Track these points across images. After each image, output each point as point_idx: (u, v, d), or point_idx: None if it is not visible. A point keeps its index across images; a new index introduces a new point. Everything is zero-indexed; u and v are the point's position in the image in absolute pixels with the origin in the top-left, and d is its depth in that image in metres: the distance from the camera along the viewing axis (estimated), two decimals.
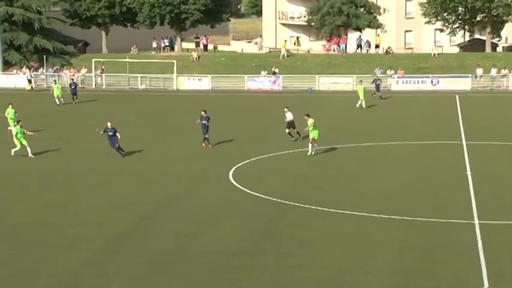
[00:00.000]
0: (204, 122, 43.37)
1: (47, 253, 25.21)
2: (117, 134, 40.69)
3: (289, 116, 44.86)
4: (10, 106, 46.31)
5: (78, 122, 54.03)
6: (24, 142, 40.22)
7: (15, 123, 42.49)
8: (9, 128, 44.76)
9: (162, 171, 37.67)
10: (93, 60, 75.84)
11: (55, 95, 62.36)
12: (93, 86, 75.17)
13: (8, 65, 79.83)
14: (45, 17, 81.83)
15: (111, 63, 77.16)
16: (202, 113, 43.72)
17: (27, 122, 44.23)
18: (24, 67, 78.45)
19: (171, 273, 23.27)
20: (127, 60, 76.72)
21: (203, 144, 43.44)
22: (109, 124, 40.69)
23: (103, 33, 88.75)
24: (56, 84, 64.40)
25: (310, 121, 40.64)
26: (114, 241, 26.43)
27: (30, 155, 40.09)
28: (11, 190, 34.31)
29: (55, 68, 78.49)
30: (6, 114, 46.64)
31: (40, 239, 26.83)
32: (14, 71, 78.01)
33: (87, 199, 32.26)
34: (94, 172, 37.54)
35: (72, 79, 68.62)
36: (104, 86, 75.18)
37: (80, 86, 71.79)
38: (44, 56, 78.11)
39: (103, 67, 76.39)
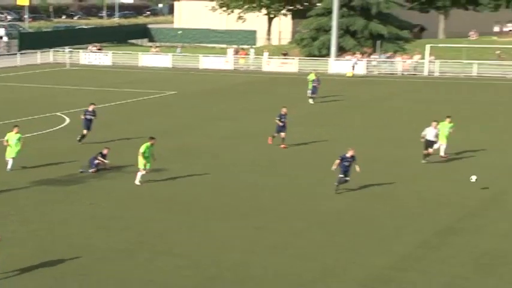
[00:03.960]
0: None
1: (363, 244, 23.70)
2: None
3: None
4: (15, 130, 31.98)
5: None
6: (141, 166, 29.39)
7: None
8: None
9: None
10: (427, 45, 71.68)
11: None
12: (425, 73, 71.17)
13: (341, 51, 78.44)
14: (384, 1, 79.13)
15: (445, 50, 73.13)
16: None
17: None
18: (358, 53, 76.52)
19: (495, 275, 21.14)
20: (462, 45, 71.93)
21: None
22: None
23: (441, 17, 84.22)
24: None
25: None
26: (434, 237, 24.44)
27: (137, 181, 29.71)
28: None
29: (388, 54, 75.60)
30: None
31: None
32: (347, 57, 76.30)
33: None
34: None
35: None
36: (435, 74, 70.88)
37: (411, 72, 70.11)
38: (378, 42, 75.44)
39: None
